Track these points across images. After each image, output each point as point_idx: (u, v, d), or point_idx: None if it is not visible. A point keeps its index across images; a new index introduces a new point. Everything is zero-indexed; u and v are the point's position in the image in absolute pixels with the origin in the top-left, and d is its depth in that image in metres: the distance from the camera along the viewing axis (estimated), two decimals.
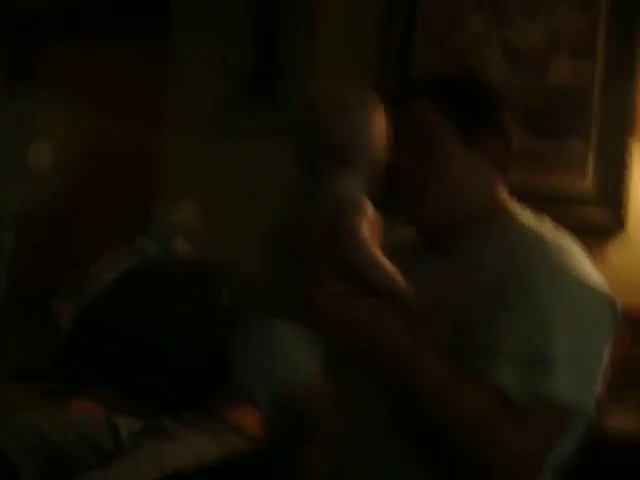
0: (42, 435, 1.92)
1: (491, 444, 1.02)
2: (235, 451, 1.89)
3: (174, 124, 3.25)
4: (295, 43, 2.93)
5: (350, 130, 1.01)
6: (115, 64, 3.61)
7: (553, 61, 2.37)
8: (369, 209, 1.02)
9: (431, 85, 1.28)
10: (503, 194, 1.28)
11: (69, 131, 3.45)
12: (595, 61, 2.31)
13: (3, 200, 3.39)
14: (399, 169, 1.22)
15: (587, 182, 2.31)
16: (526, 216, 1.25)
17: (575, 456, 1.17)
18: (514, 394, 1.03)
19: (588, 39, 2.32)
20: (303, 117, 1.05)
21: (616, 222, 2.24)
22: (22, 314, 2.94)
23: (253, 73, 3.03)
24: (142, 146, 3.43)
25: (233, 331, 1.09)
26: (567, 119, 2.34)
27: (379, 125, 1.04)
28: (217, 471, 1.60)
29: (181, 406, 2.10)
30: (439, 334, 1.12)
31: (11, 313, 3.06)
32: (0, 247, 3.37)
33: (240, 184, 2.97)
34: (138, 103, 3.50)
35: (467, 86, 1.29)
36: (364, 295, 1.02)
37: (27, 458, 1.88)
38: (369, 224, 1.01)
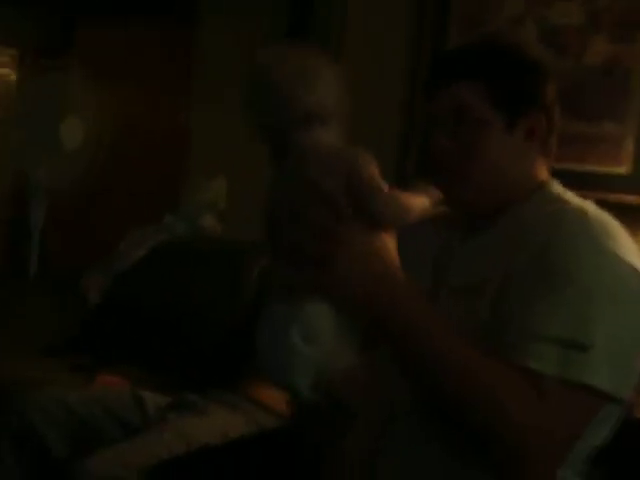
0: (69, 408, 1.93)
1: (515, 425, 1.00)
2: (261, 428, 1.89)
3: (204, 103, 3.25)
4: (327, 28, 2.91)
5: (318, 93, 1.01)
6: (147, 44, 3.62)
7: (591, 42, 2.33)
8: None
9: (472, 64, 1.22)
10: (544, 174, 1.25)
11: (100, 110, 3.47)
12: (635, 42, 2.26)
13: (34, 176, 3.41)
14: (441, 152, 1.20)
15: (623, 166, 2.27)
16: (569, 196, 1.21)
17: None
18: (546, 375, 1.01)
19: (628, 20, 2.27)
20: (267, 90, 1.02)
21: None
22: (52, 289, 2.97)
23: None
24: (173, 125, 3.44)
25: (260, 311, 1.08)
26: (604, 102, 2.29)
27: (337, 83, 1.03)
28: (243, 447, 1.60)
29: (206, 383, 2.11)
30: (476, 313, 1.10)
31: (41, 287, 3.09)
32: (31, 222, 3.40)
33: (267, 162, 2.96)
34: (169, 82, 3.51)
35: (512, 62, 1.23)
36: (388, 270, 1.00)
37: (55, 431, 1.90)
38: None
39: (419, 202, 1.02)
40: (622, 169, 2.27)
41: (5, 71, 3.89)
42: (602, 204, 1.21)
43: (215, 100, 3.18)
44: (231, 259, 2.49)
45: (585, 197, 1.23)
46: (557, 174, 1.29)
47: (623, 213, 1.39)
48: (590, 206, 1.17)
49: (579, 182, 2.18)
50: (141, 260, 2.69)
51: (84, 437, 1.91)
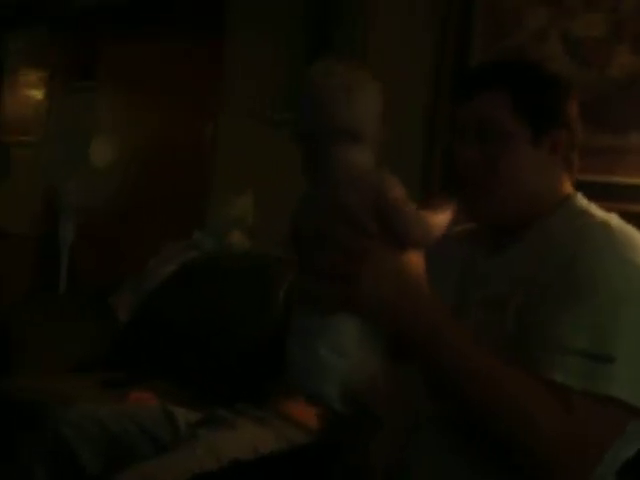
0: (101, 424, 1.95)
1: (545, 438, 1.00)
2: (291, 443, 1.90)
3: (230, 120, 3.28)
4: (350, 41, 2.93)
5: (359, 109, 1.02)
6: (173, 59, 3.66)
7: (616, 54, 2.32)
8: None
9: (500, 77, 1.23)
10: (569, 188, 1.26)
11: (128, 126, 3.51)
12: None
13: (64, 193, 3.46)
14: (466, 165, 1.21)
15: None
16: (593, 209, 1.22)
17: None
18: (571, 387, 1.02)
19: None
20: (311, 101, 1.03)
21: None
22: (81, 305, 3.00)
23: (307, 69, 3.04)
24: (199, 142, 3.47)
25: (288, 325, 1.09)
26: (629, 113, 2.29)
27: (379, 102, 1.05)
28: (273, 463, 1.61)
29: (236, 398, 2.12)
30: (502, 326, 1.11)
31: (70, 304, 3.12)
32: (60, 239, 3.44)
33: (295, 178, 2.98)
34: (196, 98, 3.54)
35: (536, 78, 1.24)
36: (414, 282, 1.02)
37: (87, 446, 1.91)
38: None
39: (442, 220, 1.04)
40: None
41: (35, 92, 3.95)
42: (628, 216, 1.21)
43: (242, 115, 3.21)
44: (259, 274, 2.51)
45: (611, 209, 1.23)
46: (583, 186, 1.29)
47: None
48: (614, 218, 1.18)
49: (605, 194, 2.20)
50: (170, 277, 2.72)
51: (116, 453, 1.93)
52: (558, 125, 1.22)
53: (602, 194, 2.10)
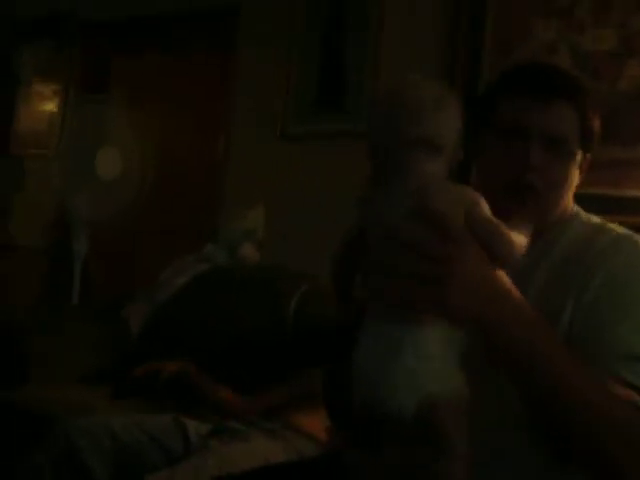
0: (113, 434, 1.96)
1: (629, 442, 1.01)
2: (300, 455, 1.91)
3: (242, 133, 3.30)
4: (362, 53, 2.95)
5: (445, 123, 1.01)
6: (184, 73, 3.69)
7: (625, 67, 2.33)
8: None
9: (569, 92, 1.21)
10: (572, 201, 1.29)
11: (140, 140, 3.54)
12: None
13: (76, 206, 3.49)
14: (533, 170, 1.19)
15: None
16: (597, 220, 1.26)
17: None
18: None
19: None
20: (400, 110, 1.01)
21: None
22: (94, 318, 3.01)
23: (320, 83, 3.06)
24: (211, 155, 3.49)
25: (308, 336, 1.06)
26: (639, 126, 2.30)
27: (461, 119, 1.04)
28: (285, 474, 1.61)
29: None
30: None
31: (83, 316, 3.14)
32: (73, 251, 3.46)
33: (305, 191, 2.99)
34: (207, 111, 3.56)
35: (592, 102, 1.24)
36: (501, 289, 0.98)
37: (98, 456, 1.93)
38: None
39: (523, 241, 1.02)
40: None
41: (48, 105, 3.98)
42: (638, 229, 1.23)
43: (253, 129, 3.24)
44: (271, 286, 2.52)
45: (621, 221, 1.25)
46: (593, 199, 1.31)
47: None
48: (620, 228, 1.22)
49: (615, 207, 2.21)
50: (182, 289, 2.73)
51: (127, 463, 1.94)
52: (592, 150, 1.25)
53: (612, 207, 2.12)
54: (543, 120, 1.19)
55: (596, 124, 1.25)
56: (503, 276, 0.99)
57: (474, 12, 2.61)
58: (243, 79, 3.31)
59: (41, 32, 4.09)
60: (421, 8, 2.79)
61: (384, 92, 1.08)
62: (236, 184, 3.29)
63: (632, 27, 2.33)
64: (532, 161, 1.17)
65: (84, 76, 3.95)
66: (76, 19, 3.90)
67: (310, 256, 2.80)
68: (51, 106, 3.97)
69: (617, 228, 1.22)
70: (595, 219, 1.27)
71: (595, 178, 2.19)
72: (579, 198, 1.29)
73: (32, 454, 1.97)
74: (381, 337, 0.97)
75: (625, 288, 1.13)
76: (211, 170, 3.47)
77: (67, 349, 2.74)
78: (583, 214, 1.28)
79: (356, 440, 1.06)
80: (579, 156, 1.22)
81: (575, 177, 1.24)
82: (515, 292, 0.99)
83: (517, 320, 0.97)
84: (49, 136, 4.02)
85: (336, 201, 2.95)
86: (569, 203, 1.27)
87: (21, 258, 3.94)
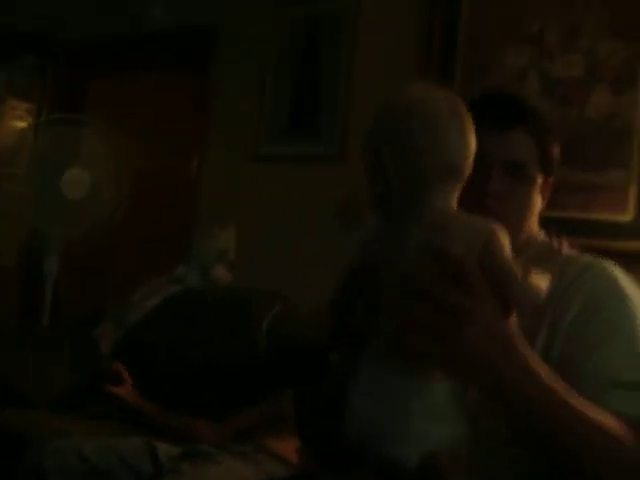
0: (83, 457, 1.95)
1: (621, 468, 1.02)
2: (272, 477, 1.90)
3: (215, 154, 3.31)
4: (335, 75, 2.97)
5: (465, 144, 0.94)
6: (158, 93, 3.69)
7: (593, 93, 2.38)
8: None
9: (525, 120, 1.24)
10: (537, 226, 1.30)
11: (114, 160, 3.52)
12: (636, 93, 2.31)
13: (48, 226, 3.46)
14: (497, 196, 1.20)
15: (628, 213, 2.30)
16: (558, 244, 1.28)
17: None
18: (633, 418, 1.04)
19: (628, 72, 2.33)
20: (410, 133, 0.91)
21: None
22: (65, 338, 2.98)
23: (293, 104, 3.08)
24: (185, 175, 3.49)
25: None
26: (607, 152, 2.34)
27: (474, 139, 0.97)
28: None
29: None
30: None
31: (54, 337, 3.11)
32: (45, 272, 3.43)
33: (278, 212, 3.00)
34: (180, 131, 3.56)
35: (550, 129, 1.28)
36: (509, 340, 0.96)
37: (67, 478, 1.91)
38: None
39: (543, 285, 0.97)
40: (627, 217, 2.30)
41: (22, 124, 3.96)
42: (607, 252, 1.26)
43: (227, 149, 3.24)
44: (243, 308, 2.51)
45: (591, 245, 1.28)
46: (562, 222, 1.33)
47: (628, 260, 1.42)
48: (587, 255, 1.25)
49: (585, 230, 2.24)
50: (153, 311, 2.72)
51: None
52: (553, 174, 1.27)
53: (580, 230, 2.15)
54: (501, 147, 1.21)
55: (555, 149, 1.27)
56: (511, 326, 0.96)
57: (446, 38, 2.65)
58: (217, 100, 3.32)
59: (17, 51, 4.07)
60: (394, 32, 2.82)
61: (394, 107, 0.97)
62: (209, 204, 3.29)
63: (599, 54, 2.38)
64: (490, 187, 1.19)
65: (60, 96, 3.94)
66: (54, 39, 3.90)
67: (282, 277, 2.81)
68: (25, 125, 3.95)
69: (584, 255, 1.24)
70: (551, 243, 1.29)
71: (563, 202, 2.24)
72: (548, 221, 1.31)
73: (2, 476, 1.95)
74: (387, 387, 0.92)
75: (600, 316, 1.14)
76: (184, 190, 3.47)
77: (37, 370, 2.71)
78: (545, 240, 1.29)
79: (330, 464, 1.05)
80: (539, 180, 1.24)
81: (537, 201, 1.26)
82: (525, 348, 0.96)
83: (525, 380, 0.95)
84: (20, 155, 4.00)
85: (308, 222, 2.97)
86: (534, 227, 1.29)
87: None
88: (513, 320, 0.95)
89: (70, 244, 3.48)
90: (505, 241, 0.92)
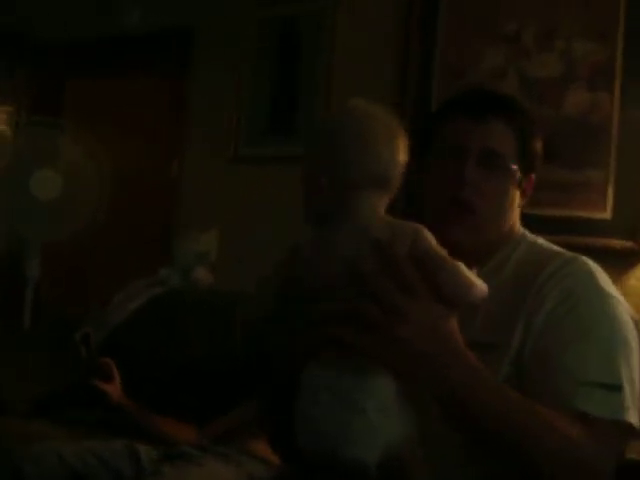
0: (62, 461, 1.93)
1: (576, 467, 1.04)
2: (254, 478, 1.90)
3: (195, 156, 3.30)
4: (312, 77, 2.98)
5: (394, 157, 1.00)
6: (137, 94, 3.68)
7: (570, 92, 2.40)
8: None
9: (506, 111, 1.26)
10: (518, 222, 1.31)
11: (93, 163, 3.51)
12: (612, 92, 2.33)
13: (28, 230, 3.44)
14: (468, 185, 1.21)
15: (606, 211, 2.32)
16: (542, 242, 1.28)
17: None
18: (595, 417, 1.06)
19: (605, 70, 2.35)
20: (346, 144, 0.99)
21: (636, 253, 2.24)
22: (46, 341, 2.97)
23: (272, 105, 3.08)
24: (165, 178, 3.48)
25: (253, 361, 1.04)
26: (585, 150, 2.36)
27: (406, 149, 1.03)
28: None
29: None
30: (493, 367, 1.10)
31: (35, 340, 3.09)
32: (26, 276, 3.41)
33: (258, 213, 3.00)
34: (160, 133, 3.55)
35: (529, 122, 1.28)
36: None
37: None
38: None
39: (480, 281, 0.98)
40: (605, 214, 2.32)
41: (0, 128, 3.94)
42: (586, 249, 1.27)
43: (207, 151, 3.24)
44: (224, 310, 2.51)
45: (568, 242, 1.29)
46: (539, 220, 1.34)
47: (607, 257, 1.44)
48: (567, 251, 1.24)
49: (564, 228, 2.26)
50: (135, 312, 2.71)
51: None
52: (534, 170, 1.28)
53: (557, 228, 2.17)
54: (477, 136, 1.23)
55: (537, 145, 1.28)
56: (452, 321, 0.99)
57: (424, 37, 2.66)
58: (196, 101, 3.32)
59: None
60: (372, 33, 2.83)
61: (328, 123, 1.04)
62: (189, 206, 3.28)
63: (576, 53, 2.40)
64: (466, 175, 1.20)
65: (36, 98, 3.91)
66: (29, 40, 3.87)
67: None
68: (2, 128, 3.92)
69: (565, 252, 1.24)
70: (541, 241, 1.29)
71: (541, 199, 2.26)
72: (525, 218, 1.32)
73: None
74: (333, 388, 0.93)
75: (576, 312, 1.14)
76: (164, 192, 3.46)
77: (18, 374, 2.69)
78: (529, 236, 1.30)
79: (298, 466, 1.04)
80: (517, 174, 1.24)
81: (515, 195, 1.26)
82: (457, 339, 1.00)
83: (458, 365, 0.99)
84: (1, 158, 3.97)
85: (289, 223, 2.96)
86: (514, 224, 1.29)
87: None
88: (453, 318, 0.99)
89: (50, 247, 3.47)
90: (432, 238, 0.97)
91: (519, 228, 1.30)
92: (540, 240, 1.29)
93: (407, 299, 0.94)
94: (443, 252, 0.96)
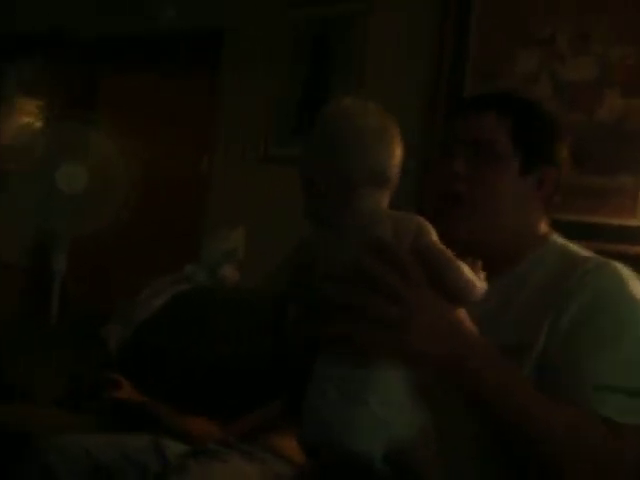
0: (88, 453, 1.95)
1: (596, 469, 1.03)
2: (277, 476, 1.90)
3: (225, 154, 3.31)
4: (344, 78, 2.97)
5: (390, 153, 1.01)
6: (168, 92, 3.70)
7: (604, 97, 2.37)
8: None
9: (503, 103, 1.26)
10: (546, 227, 1.29)
11: (123, 159, 3.54)
12: None
13: (57, 224, 3.47)
14: (456, 178, 1.21)
15: (638, 217, 2.29)
16: (576, 248, 1.26)
17: None
18: (612, 419, 1.05)
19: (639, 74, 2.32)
20: (340, 142, 1.00)
21: None
22: (73, 337, 2.99)
23: (302, 105, 3.08)
24: (194, 175, 3.49)
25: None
26: (618, 156, 2.33)
27: (402, 147, 1.04)
28: None
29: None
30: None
31: (62, 335, 3.12)
32: (53, 271, 3.44)
33: (286, 212, 2.99)
34: (190, 130, 3.57)
35: (536, 112, 1.28)
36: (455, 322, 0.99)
37: (72, 474, 1.92)
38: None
39: (479, 281, 0.98)
40: (637, 221, 2.30)
41: (32, 121, 3.98)
42: (619, 256, 1.25)
43: (236, 149, 3.25)
44: (250, 308, 2.52)
45: (602, 249, 1.27)
46: (572, 226, 1.33)
47: (637, 264, 1.41)
48: (599, 256, 1.22)
49: (595, 234, 2.24)
50: (161, 309, 2.72)
51: None
52: (548, 163, 1.25)
53: (589, 234, 2.15)
54: (467, 130, 1.23)
55: (547, 135, 1.25)
56: (460, 312, 0.99)
57: (457, 40, 2.64)
58: (227, 100, 3.33)
59: (27, 49, 4.09)
60: (405, 37, 2.82)
61: (324, 120, 1.05)
62: (218, 204, 3.29)
63: (611, 57, 2.37)
64: (455, 169, 1.20)
65: (70, 93, 3.95)
66: (64, 37, 3.91)
67: None
68: (35, 122, 3.96)
69: (597, 256, 1.22)
70: (573, 247, 1.27)
71: (572, 205, 2.24)
72: (556, 224, 1.30)
73: (8, 473, 1.96)
74: (338, 380, 0.94)
75: (602, 315, 1.13)
76: (193, 190, 3.47)
77: (44, 369, 2.71)
78: (560, 239, 1.28)
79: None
80: (514, 160, 1.22)
81: (519, 184, 1.23)
82: (470, 327, 0.99)
83: (473, 355, 0.97)
84: (31, 152, 4.01)
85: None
86: (537, 221, 1.26)
87: (0, 276, 3.90)
88: (461, 309, 0.98)
89: (78, 242, 3.49)
90: (434, 232, 0.97)
91: (548, 230, 1.28)
92: (571, 244, 1.27)
93: (413, 292, 0.92)
94: (444, 248, 0.96)
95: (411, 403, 0.94)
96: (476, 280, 0.97)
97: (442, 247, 0.96)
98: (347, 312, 0.93)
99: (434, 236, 0.97)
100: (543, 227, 1.28)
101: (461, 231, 1.21)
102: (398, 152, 1.02)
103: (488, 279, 1.02)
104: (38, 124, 3.96)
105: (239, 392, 2.30)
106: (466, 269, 0.96)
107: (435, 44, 2.70)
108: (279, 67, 3.14)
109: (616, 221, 2.32)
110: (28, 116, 4.10)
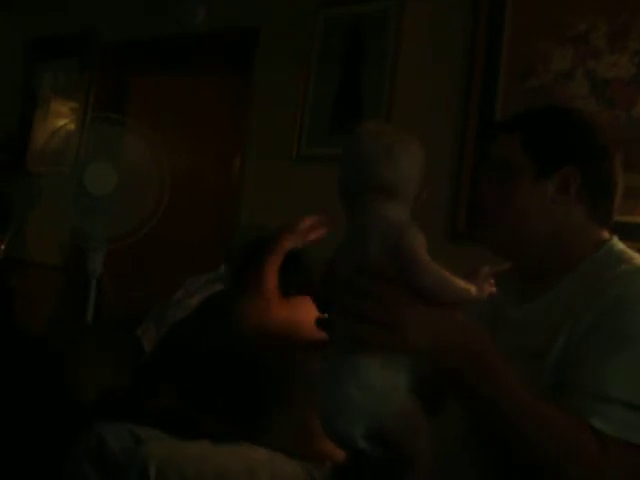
0: (138, 441, 2.04)
1: (574, 474, 1.02)
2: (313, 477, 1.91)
3: (257, 154, 3.32)
4: (377, 77, 2.97)
5: (398, 168, 1.07)
6: (202, 95, 3.72)
7: None
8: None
9: (517, 121, 1.31)
10: (601, 233, 1.27)
11: (156, 160, 3.56)
12: None
13: (93, 225, 3.51)
14: (482, 198, 1.29)
15: None
16: (631, 254, 1.23)
17: None
18: (606, 433, 1.03)
19: None
20: (354, 158, 1.10)
21: None
22: (108, 336, 3.02)
23: (335, 105, 3.08)
24: (227, 175, 3.51)
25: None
26: None
27: (419, 163, 1.09)
28: None
29: (263, 429, 2.13)
30: (537, 375, 1.12)
31: (97, 335, 3.15)
32: (89, 270, 3.48)
33: (319, 213, 3.00)
34: (223, 131, 3.59)
35: (548, 117, 1.30)
36: (454, 319, 1.03)
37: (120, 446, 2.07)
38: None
39: (463, 284, 1.02)
40: None
41: (66, 123, 4.02)
42: None
43: (269, 150, 3.26)
44: None
45: (635, 249, 1.24)
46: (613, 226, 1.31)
47: None
48: None
49: (630, 233, 2.20)
50: (196, 309, 2.74)
51: None
52: (568, 163, 1.23)
53: (629, 234, 2.11)
54: (489, 151, 1.32)
55: (557, 136, 1.26)
56: (454, 314, 1.03)
57: (490, 41, 2.62)
58: (259, 100, 3.34)
59: (61, 51, 4.14)
60: (438, 36, 2.81)
61: (348, 141, 1.15)
62: (251, 204, 3.30)
63: None
64: (480, 189, 1.30)
65: (102, 95, 3.99)
66: (96, 39, 3.95)
67: None
68: (69, 124, 4.01)
69: (635, 259, 1.20)
70: (630, 252, 1.24)
71: None
72: None
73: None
74: (329, 368, 1.05)
75: (615, 322, 1.10)
76: (226, 190, 3.49)
77: (82, 368, 2.75)
78: (611, 245, 1.25)
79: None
80: (525, 168, 1.24)
81: (536, 190, 1.24)
82: (462, 325, 1.02)
83: (463, 353, 1.01)
84: (65, 154, 4.05)
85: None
86: (583, 233, 1.25)
87: (37, 275, 3.96)
88: (458, 312, 1.03)
89: (113, 244, 3.53)
90: (420, 236, 1.02)
91: (606, 236, 1.26)
92: (629, 250, 1.24)
93: (399, 307, 0.99)
94: (424, 254, 1.01)
95: (389, 385, 1.01)
96: (458, 283, 1.01)
97: (420, 252, 1.01)
98: (347, 312, 1.01)
99: (416, 242, 1.02)
100: (596, 233, 1.26)
101: (492, 246, 1.29)
102: (406, 169, 1.07)
103: (537, 288, 1.11)
104: (72, 126, 4.00)
105: (271, 395, 2.31)
106: (446, 274, 1.01)
107: (468, 44, 2.69)
108: (312, 66, 3.15)
109: None
110: (62, 118, 4.14)
